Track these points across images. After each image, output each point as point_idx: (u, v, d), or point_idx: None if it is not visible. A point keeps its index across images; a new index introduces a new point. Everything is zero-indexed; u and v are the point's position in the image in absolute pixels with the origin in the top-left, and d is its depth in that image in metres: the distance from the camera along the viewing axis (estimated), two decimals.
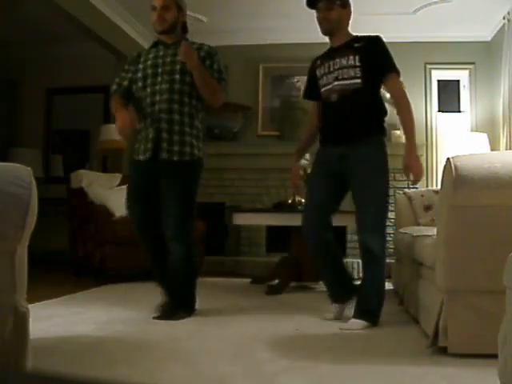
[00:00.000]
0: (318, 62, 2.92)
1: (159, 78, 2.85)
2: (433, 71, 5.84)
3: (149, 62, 2.91)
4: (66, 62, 6.24)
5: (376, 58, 2.75)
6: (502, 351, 1.32)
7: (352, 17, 2.87)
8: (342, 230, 5.61)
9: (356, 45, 2.77)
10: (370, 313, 2.68)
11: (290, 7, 5.08)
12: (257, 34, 5.82)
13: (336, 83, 2.76)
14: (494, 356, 1.36)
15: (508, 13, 4.91)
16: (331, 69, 2.80)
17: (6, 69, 6.21)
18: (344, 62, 2.75)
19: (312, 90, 2.98)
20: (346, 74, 2.73)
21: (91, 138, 6.33)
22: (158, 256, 2.94)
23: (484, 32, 5.60)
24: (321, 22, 2.82)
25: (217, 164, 5.86)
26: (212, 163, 5.86)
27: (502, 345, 1.32)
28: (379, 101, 2.82)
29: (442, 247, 2.12)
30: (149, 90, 2.86)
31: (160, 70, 2.87)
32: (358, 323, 2.64)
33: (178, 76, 2.85)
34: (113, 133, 4.96)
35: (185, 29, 3.02)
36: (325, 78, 2.83)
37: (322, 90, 2.86)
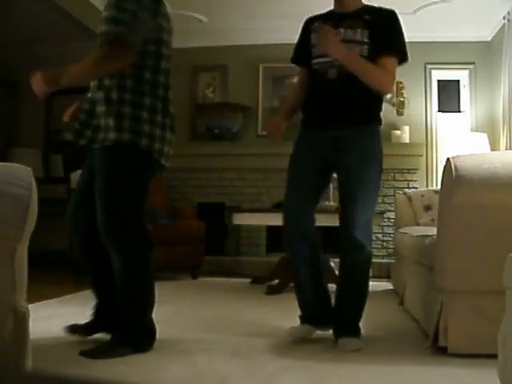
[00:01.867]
0: (315, 25, 2.49)
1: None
2: (433, 71, 5.84)
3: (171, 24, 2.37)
4: (65, 62, 6.22)
5: (384, 35, 2.38)
6: (502, 351, 1.32)
7: None
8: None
9: (366, 17, 2.39)
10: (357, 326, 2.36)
11: (290, 7, 5.08)
12: (257, 34, 5.81)
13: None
14: (494, 356, 1.36)
15: (508, 13, 4.91)
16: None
17: (5, 69, 6.21)
18: (350, 34, 2.37)
19: (302, 55, 2.53)
20: (351, 50, 2.35)
21: None
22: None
23: (484, 32, 5.60)
24: None
25: (217, 164, 5.86)
26: (212, 163, 5.87)
27: (502, 345, 1.32)
28: None
29: (442, 247, 2.12)
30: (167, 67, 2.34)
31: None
32: (353, 343, 2.27)
33: None
34: None
35: None
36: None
37: (316, 60, 2.44)
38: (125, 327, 2.17)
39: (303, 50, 2.53)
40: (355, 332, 2.32)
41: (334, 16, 2.47)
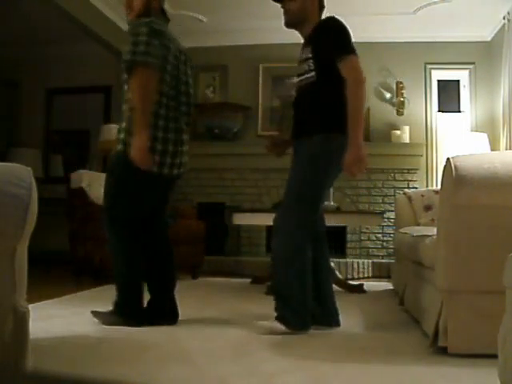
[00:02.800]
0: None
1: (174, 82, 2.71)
2: (433, 71, 5.84)
3: (175, 51, 2.73)
4: (65, 62, 6.25)
5: (324, 43, 2.48)
6: (502, 351, 1.32)
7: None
8: (341, 230, 5.62)
9: (311, 33, 2.58)
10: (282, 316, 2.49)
11: None
12: (257, 34, 5.82)
13: (297, 79, 2.62)
14: (494, 356, 1.36)
15: (508, 13, 4.91)
16: (297, 65, 2.65)
17: (5, 69, 6.21)
18: (303, 55, 2.59)
19: None
20: (302, 69, 2.57)
21: (91, 138, 6.33)
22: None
23: (484, 32, 5.60)
24: (283, 13, 2.62)
25: (217, 164, 5.86)
26: (212, 163, 5.87)
27: (502, 345, 1.32)
28: (336, 94, 2.45)
29: (442, 247, 2.12)
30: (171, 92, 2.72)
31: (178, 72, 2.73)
32: (278, 326, 2.46)
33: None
34: (113, 133, 4.95)
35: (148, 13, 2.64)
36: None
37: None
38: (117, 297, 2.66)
39: None
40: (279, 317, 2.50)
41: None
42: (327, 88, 2.49)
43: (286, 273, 2.49)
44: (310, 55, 2.51)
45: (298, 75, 2.61)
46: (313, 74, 2.51)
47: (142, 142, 2.39)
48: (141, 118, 2.41)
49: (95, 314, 2.67)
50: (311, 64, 2.51)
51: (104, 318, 2.63)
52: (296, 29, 2.65)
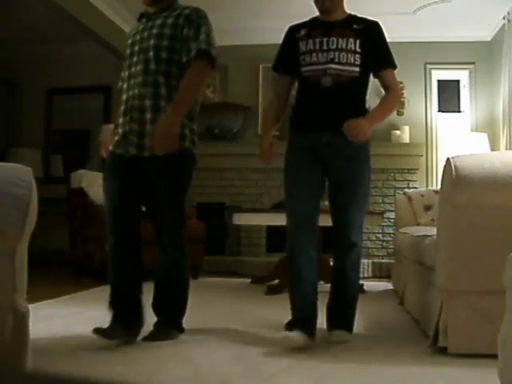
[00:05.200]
0: (303, 33, 2.51)
1: (135, 58, 2.42)
2: (433, 71, 5.84)
3: (129, 41, 2.49)
4: (66, 62, 6.24)
5: (376, 47, 2.48)
6: (502, 351, 1.32)
7: None
8: None
9: (355, 26, 2.46)
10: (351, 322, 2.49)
11: (290, 7, 5.08)
12: (257, 34, 5.81)
13: (332, 66, 2.41)
14: (494, 356, 1.36)
15: (508, 13, 4.91)
16: (325, 47, 2.43)
17: (5, 69, 6.21)
18: (343, 43, 2.42)
19: (288, 63, 2.56)
20: (345, 59, 2.41)
21: (91, 138, 6.33)
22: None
23: (484, 32, 5.60)
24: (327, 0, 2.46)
25: (217, 164, 5.86)
26: (212, 163, 5.87)
27: (502, 345, 1.32)
28: (366, 94, 2.58)
29: (442, 247, 2.13)
30: (126, 73, 2.45)
31: (136, 47, 2.42)
32: (341, 334, 2.40)
33: (151, 54, 2.37)
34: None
35: None
36: (314, 55, 2.44)
37: (307, 68, 2.46)
38: (178, 314, 2.50)
39: (289, 59, 2.54)
40: (348, 326, 2.44)
41: (320, 24, 2.51)
42: (367, 86, 2.56)
43: (359, 279, 2.60)
44: (359, 50, 2.43)
45: (332, 61, 2.41)
46: (357, 69, 2.43)
47: None
48: None
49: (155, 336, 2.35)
50: (358, 59, 2.43)
51: (164, 335, 2.36)
52: (329, 13, 2.49)
